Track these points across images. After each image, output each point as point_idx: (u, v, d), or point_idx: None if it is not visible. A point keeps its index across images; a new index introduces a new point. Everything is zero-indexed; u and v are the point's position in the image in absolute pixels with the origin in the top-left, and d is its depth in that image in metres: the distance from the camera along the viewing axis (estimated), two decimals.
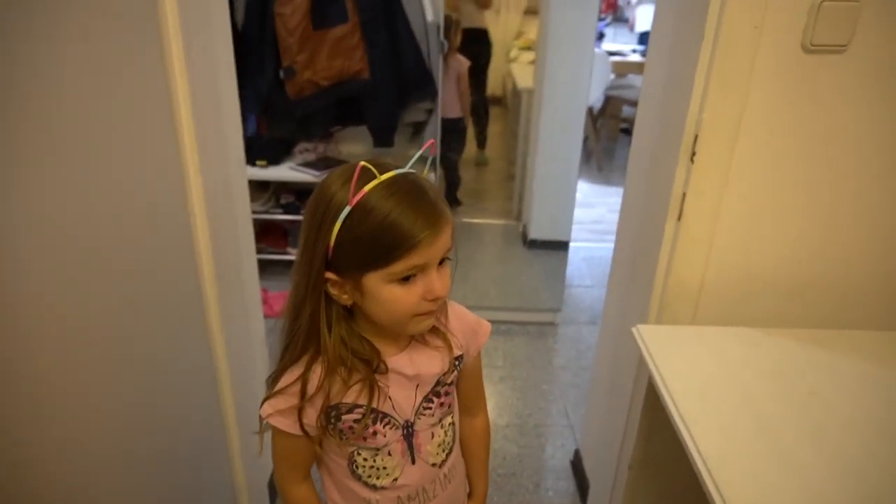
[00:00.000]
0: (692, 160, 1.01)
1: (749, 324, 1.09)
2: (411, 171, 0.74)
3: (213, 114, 1.18)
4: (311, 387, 0.78)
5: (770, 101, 0.98)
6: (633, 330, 1.06)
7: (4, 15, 0.66)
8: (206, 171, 1.11)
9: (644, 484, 1.21)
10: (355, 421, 0.80)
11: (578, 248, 3.20)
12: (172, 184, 1.06)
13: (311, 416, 0.80)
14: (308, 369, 0.79)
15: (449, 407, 0.88)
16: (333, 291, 0.75)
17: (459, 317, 0.88)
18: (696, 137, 1.00)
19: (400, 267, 0.71)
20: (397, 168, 0.73)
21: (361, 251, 0.71)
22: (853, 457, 0.80)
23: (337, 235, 0.71)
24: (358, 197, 0.70)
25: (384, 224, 0.69)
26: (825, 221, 1.08)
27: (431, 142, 0.83)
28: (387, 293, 0.73)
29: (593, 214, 3.76)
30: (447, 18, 2.52)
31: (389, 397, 0.81)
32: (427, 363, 0.83)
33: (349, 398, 0.79)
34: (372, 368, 0.79)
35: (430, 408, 0.85)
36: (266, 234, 2.74)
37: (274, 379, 0.82)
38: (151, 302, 0.99)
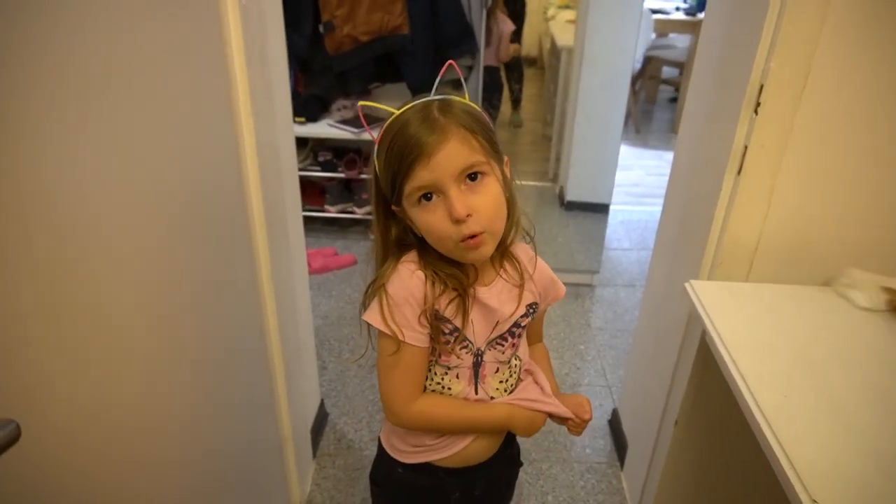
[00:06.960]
0: (756, 112, 0.98)
1: (803, 284, 1.07)
2: (437, 97, 0.77)
3: (261, 68, 1.18)
4: (419, 291, 0.80)
5: (840, 51, 0.94)
6: (686, 285, 1.04)
7: None
8: (258, 127, 1.12)
9: (689, 439, 1.21)
10: (447, 332, 0.83)
11: (616, 210, 3.15)
12: (226, 140, 1.06)
13: (416, 319, 0.80)
14: (410, 277, 0.80)
15: (516, 348, 0.90)
16: (408, 224, 0.80)
17: (542, 269, 0.92)
18: (761, 88, 0.97)
19: (413, 184, 0.73)
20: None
21: (388, 174, 0.76)
22: None
23: (377, 169, 0.78)
24: (381, 132, 0.76)
25: (393, 141, 0.74)
26: (885, 182, 1.04)
27: (450, 62, 0.84)
28: (419, 219, 0.76)
29: (631, 177, 3.69)
30: None
31: (472, 321, 0.83)
32: (508, 300, 0.85)
33: (446, 311, 0.81)
34: (464, 284, 0.82)
35: (502, 345, 0.87)
36: (303, 191, 2.76)
37: (372, 292, 0.83)
38: (206, 255, 1.01)
